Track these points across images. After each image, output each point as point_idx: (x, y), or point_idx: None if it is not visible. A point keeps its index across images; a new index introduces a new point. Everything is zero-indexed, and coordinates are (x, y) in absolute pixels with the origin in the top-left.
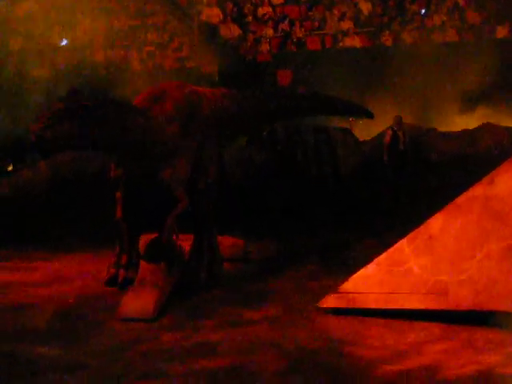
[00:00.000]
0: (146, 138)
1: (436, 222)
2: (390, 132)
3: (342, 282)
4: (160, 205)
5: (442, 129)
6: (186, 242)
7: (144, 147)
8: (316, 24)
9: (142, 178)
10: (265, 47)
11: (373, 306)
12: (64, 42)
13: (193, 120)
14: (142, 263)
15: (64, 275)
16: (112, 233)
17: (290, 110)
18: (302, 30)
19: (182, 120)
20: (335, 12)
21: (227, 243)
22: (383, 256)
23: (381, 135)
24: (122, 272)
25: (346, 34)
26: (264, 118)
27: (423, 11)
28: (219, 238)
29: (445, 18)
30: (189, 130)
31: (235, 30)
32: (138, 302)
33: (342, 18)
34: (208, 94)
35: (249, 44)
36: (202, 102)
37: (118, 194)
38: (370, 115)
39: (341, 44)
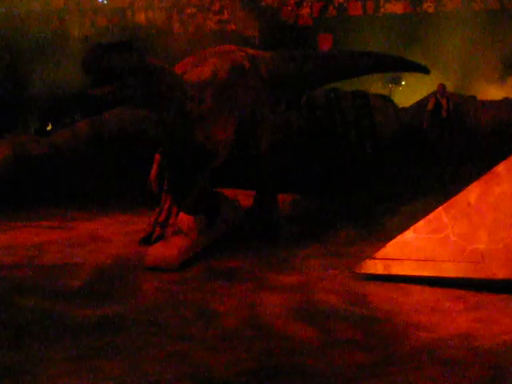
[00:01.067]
0: (173, 99)
1: (474, 191)
2: (433, 99)
3: (379, 248)
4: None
5: (483, 97)
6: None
7: (173, 108)
8: None
9: (178, 139)
10: (306, 11)
11: (409, 272)
12: (103, 1)
13: (238, 85)
14: (180, 215)
15: (102, 235)
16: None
17: (349, 69)
18: None
19: (221, 85)
20: None
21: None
22: (421, 223)
23: (420, 103)
24: (157, 230)
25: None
26: (326, 77)
27: None
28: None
29: None
30: (231, 94)
31: None
32: (163, 251)
33: None
34: (267, 57)
35: (290, 8)
36: (258, 66)
37: (157, 155)
38: (426, 71)
39: (382, 10)
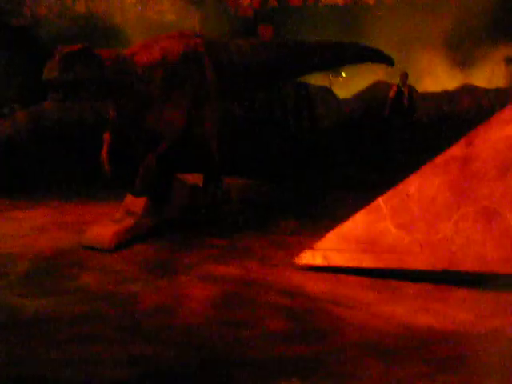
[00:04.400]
0: (124, 83)
1: (413, 182)
2: (395, 88)
3: (318, 239)
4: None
5: (424, 88)
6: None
7: (123, 91)
8: None
9: (129, 121)
10: (246, 1)
11: (348, 263)
12: None
13: (189, 69)
14: (127, 196)
15: (40, 225)
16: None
17: (327, 60)
18: None
19: (171, 67)
20: None
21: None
22: (359, 214)
23: (360, 94)
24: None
25: None
26: (301, 68)
27: None
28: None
29: None
30: (180, 77)
31: None
32: (99, 232)
33: None
34: (233, 44)
35: None
36: (216, 53)
37: (106, 135)
38: (391, 62)
39: (323, 1)
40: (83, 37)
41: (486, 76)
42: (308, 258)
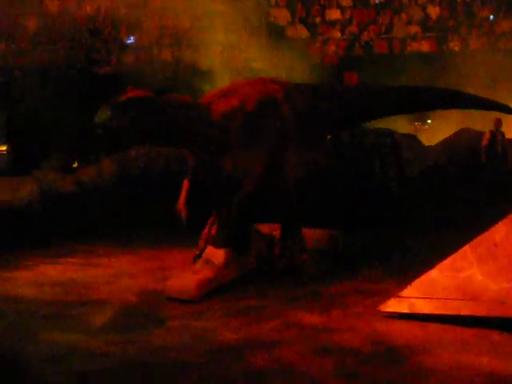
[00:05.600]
0: (196, 130)
1: (500, 230)
2: (488, 134)
3: (404, 287)
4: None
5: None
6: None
7: (198, 140)
8: (383, 28)
9: (207, 168)
10: (331, 49)
11: (434, 311)
12: (131, 40)
13: (268, 115)
14: (208, 246)
15: (127, 272)
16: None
17: (408, 106)
18: (370, 33)
19: (249, 114)
20: (403, 16)
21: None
22: (446, 262)
23: (445, 142)
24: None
25: (413, 38)
26: (374, 113)
27: (492, 17)
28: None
29: None
30: (259, 124)
31: (302, 32)
32: (182, 283)
33: (409, 22)
34: (308, 90)
35: (316, 46)
36: (293, 99)
37: (185, 181)
38: (509, 111)
39: (408, 48)
40: (170, 86)
41: None
42: (394, 305)
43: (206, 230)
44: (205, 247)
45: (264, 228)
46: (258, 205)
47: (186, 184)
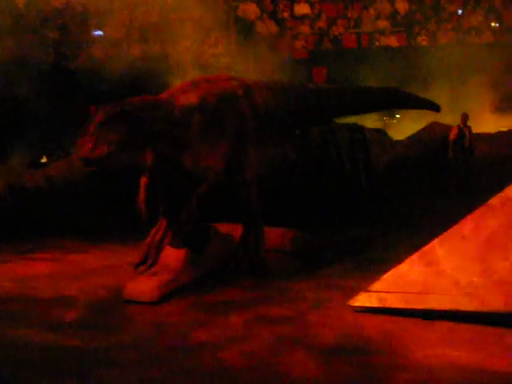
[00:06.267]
0: (161, 129)
1: (468, 223)
2: (456, 129)
3: (374, 281)
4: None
5: (477, 130)
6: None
7: (161, 138)
8: (352, 23)
9: (166, 165)
10: (300, 44)
11: (404, 305)
12: (99, 33)
13: (227, 112)
14: (165, 248)
15: (95, 267)
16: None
17: (364, 105)
18: (339, 27)
19: (209, 110)
20: (372, 11)
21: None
22: (415, 256)
23: (414, 136)
24: (152, 252)
25: (382, 32)
26: (339, 112)
27: (460, 12)
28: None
29: (481, 19)
30: (219, 120)
31: (271, 27)
32: (141, 285)
33: (378, 17)
34: (266, 87)
35: (285, 41)
36: (253, 96)
37: (143, 180)
38: (437, 108)
39: (377, 43)
40: (139, 80)
41: None
42: (363, 300)
43: (149, 239)
44: (150, 254)
45: (224, 228)
46: (219, 204)
47: (143, 181)
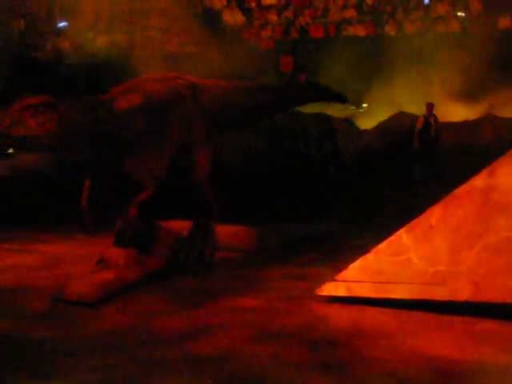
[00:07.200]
0: (99, 129)
1: (435, 213)
2: (421, 118)
3: (340, 270)
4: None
5: (445, 119)
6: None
7: (101, 138)
8: (319, 12)
9: (108, 169)
10: (267, 33)
11: (371, 295)
12: (64, 24)
13: (174, 112)
14: (110, 247)
15: (62, 258)
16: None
17: (294, 101)
18: (306, 17)
19: (153, 112)
20: (339, 1)
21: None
22: (382, 245)
23: (381, 125)
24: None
25: (349, 22)
26: (277, 108)
27: (427, 1)
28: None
29: (448, 8)
30: (164, 122)
31: (238, 17)
32: (80, 286)
33: (345, 6)
34: (213, 86)
35: (252, 31)
36: (199, 94)
37: (87, 181)
38: (344, 100)
39: (344, 33)
40: (104, 70)
41: (509, 106)
42: (330, 289)
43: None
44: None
45: (174, 225)
46: (168, 201)
47: (87, 184)
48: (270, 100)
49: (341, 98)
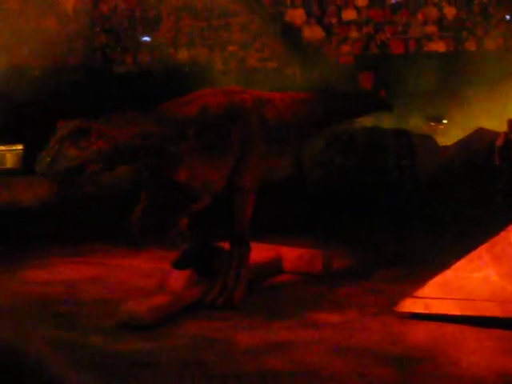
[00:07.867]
0: (142, 143)
1: None
2: (502, 135)
3: (419, 287)
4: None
5: None
6: None
7: (144, 152)
8: (400, 28)
9: (161, 180)
10: (347, 49)
11: (450, 312)
12: (146, 38)
13: (234, 125)
14: (169, 269)
15: (138, 270)
16: None
17: (356, 112)
18: (386, 33)
19: (210, 124)
20: (419, 16)
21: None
22: (461, 262)
23: (461, 141)
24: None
25: (429, 38)
26: (342, 118)
27: (508, 17)
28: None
29: None
30: (223, 134)
31: (318, 32)
32: (133, 308)
33: (426, 22)
34: (278, 100)
35: (332, 46)
36: (262, 108)
37: (143, 196)
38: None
39: (425, 48)
40: (186, 85)
41: None
42: (409, 306)
43: None
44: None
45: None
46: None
47: (143, 195)
48: (338, 108)
49: (387, 106)
